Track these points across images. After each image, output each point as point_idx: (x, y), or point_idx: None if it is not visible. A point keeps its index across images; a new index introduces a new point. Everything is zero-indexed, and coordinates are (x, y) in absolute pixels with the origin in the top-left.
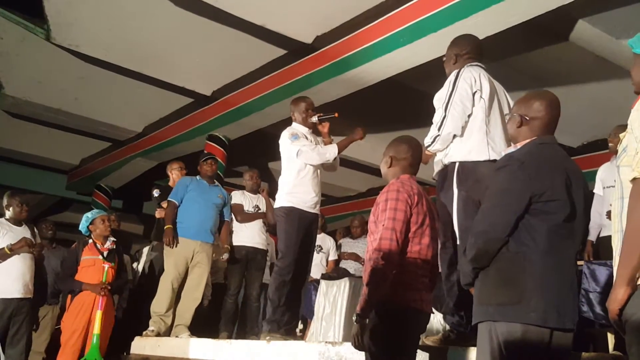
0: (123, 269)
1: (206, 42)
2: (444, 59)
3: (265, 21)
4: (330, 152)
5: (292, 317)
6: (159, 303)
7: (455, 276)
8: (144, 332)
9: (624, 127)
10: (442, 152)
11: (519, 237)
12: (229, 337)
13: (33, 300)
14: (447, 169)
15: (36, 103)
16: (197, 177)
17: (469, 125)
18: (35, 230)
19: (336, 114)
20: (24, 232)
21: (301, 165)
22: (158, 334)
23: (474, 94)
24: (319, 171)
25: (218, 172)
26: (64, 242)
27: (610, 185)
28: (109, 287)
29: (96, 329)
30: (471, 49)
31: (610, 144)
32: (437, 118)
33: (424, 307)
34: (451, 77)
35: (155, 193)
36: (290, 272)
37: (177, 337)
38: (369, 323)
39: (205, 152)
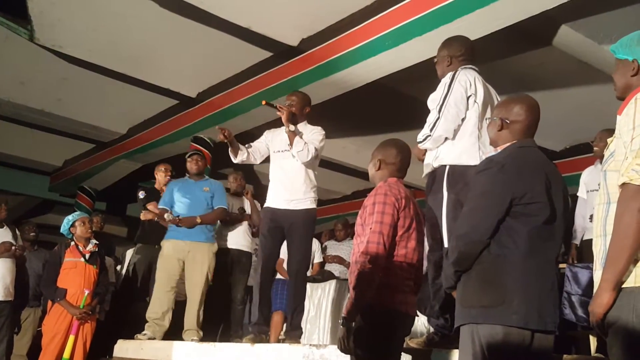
0: (105, 271)
1: (191, 44)
2: (436, 59)
3: (251, 23)
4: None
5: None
6: (152, 308)
7: (441, 279)
8: (135, 336)
9: (608, 132)
10: (433, 155)
11: (500, 239)
12: (213, 340)
13: (14, 303)
14: (436, 172)
15: (19, 104)
16: (186, 176)
17: (462, 128)
18: (17, 232)
19: (263, 102)
20: (4, 233)
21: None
22: (153, 338)
23: (468, 98)
24: (286, 163)
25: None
26: (47, 244)
27: (594, 189)
28: (89, 313)
29: (66, 353)
30: (465, 51)
31: (595, 148)
32: (430, 119)
33: (409, 310)
34: (446, 79)
35: (141, 195)
36: (258, 268)
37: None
38: (355, 326)
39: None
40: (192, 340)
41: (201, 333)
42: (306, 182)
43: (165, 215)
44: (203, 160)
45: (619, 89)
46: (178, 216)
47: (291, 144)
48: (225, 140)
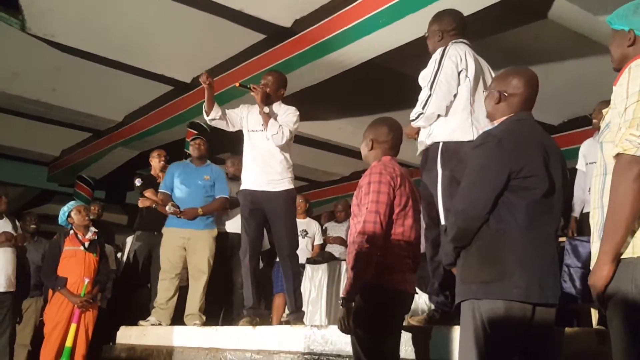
0: (105, 259)
1: (184, 29)
2: (427, 34)
3: (243, 6)
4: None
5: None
6: (158, 295)
7: (440, 256)
8: (138, 322)
9: (607, 104)
10: (426, 132)
11: (498, 214)
12: (215, 324)
13: (16, 293)
14: (430, 149)
15: (13, 95)
16: (188, 159)
17: (454, 104)
18: (17, 222)
19: (237, 84)
20: (4, 224)
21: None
22: (159, 324)
23: (459, 73)
24: (261, 145)
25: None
26: (47, 234)
27: (593, 162)
28: (90, 301)
29: (68, 341)
30: (457, 25)
31: (593, 120)
32: (422, 96)
33: (407, 288)
34: (436, 55)
35: (137, 182)
36: (246, 254)
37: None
38: (355, 305)
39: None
40: (194, 324)
41: (204, 318)
42: (282, 163)
43: (167, 207)
44: (205, 144)
45: (616, 60)
46: (179, 207)
47: (265, 125)
48: (206, 84)
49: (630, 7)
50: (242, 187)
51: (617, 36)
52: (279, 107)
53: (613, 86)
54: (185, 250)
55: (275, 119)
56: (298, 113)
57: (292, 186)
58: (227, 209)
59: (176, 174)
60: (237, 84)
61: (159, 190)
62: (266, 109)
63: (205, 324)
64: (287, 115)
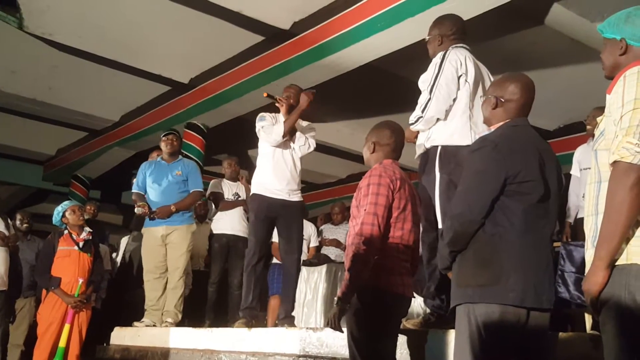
0: (99, 259)
1: (183, 29)
2: (428, 38)
3: (242, 7)
4: (277, 130)
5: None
6: (148, 296)
7: (436, 260)
8: (133, 323)
9: (601, 110)
10: (425, 135)
11: (494, 218)
12: (211, 326)
13: (8, 293)
14: (429, 153)
15: (10, 93)
16: (159, 157)
17: (453, 108)
18: (9, 221)
19: (265, 94)
20: None
21: (263, 148)
22: (154, 325)
23: (459, 78)
24: (287, 155)
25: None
26: (41, 233)
27: (587, 167)
28: (84, 301)
29: (62, 342)
30: (457, 30)
31: (587, 127)
32: (422, 100)
33: (405, 291)
34: (437, 59)
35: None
36: (255, 256)
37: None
38: (352, 308)
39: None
40: (166, 322)
41: (179, 316)
42: (300, 174)
43: (136, 209)
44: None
45: (608, 68)
46: (149, 207)
47: (291, 137)
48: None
49: (621, 15)
50: (258, 192)
51: (608, 44)
52: (300, 121)
53: (607, 94)
54: (165, 247)
55: (300, 131)
56: (315, 129)
57: (302, 197)
58: (224, 206)
59: (148, 173)
60: (265, 94)
61: (132, 191)
62: None
63: (198, 325)
64: (310, 129)
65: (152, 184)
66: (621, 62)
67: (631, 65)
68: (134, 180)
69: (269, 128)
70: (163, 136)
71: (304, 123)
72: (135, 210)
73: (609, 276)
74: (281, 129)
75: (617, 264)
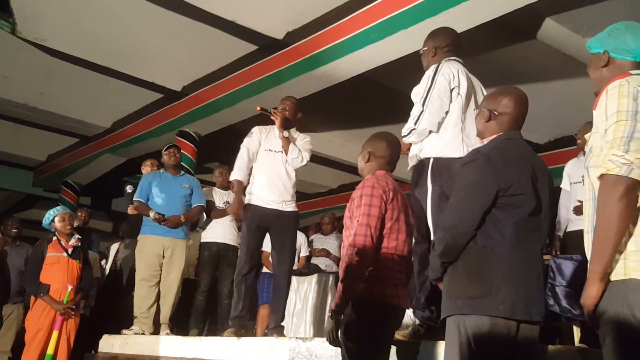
0: (89, 266)
1: (176, 37)
2: (422, 51)
3: (236, 16)
4: (238, 163)
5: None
6: (136, 304)
7: (428, 271)
8: (122, 330)
9: (591, 124)
10: (417, 147)
11: (486, 230)
12: (199, 334)
13: None
14: (421, 164)
15: (2, 98)
16: (161, 170)
17: (445, 121)
18: None
19: (258, 108)
20: None
21: (257, 159)
22: (142, 334)
23: (451, 91)
24: (280, 166)
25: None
26: (31, 239)
27: (577, 181)
28: (73, 308)
29: (50, 349)
30: (451, 42)
31: (578, 141)
32: (414, 112)
33: (400, 302)
34: (429, 72)
35: (129, 189)
36: (245, 266)
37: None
38: (345, 319)
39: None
40: (166, 333)
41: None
42: (294, 185)
43: (152, 214)
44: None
45: (594, 82)
46: (163, 215)
47: (285, 149)
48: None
49: (606, 30)
50: (251, 202)
51: (594, 59)
52: (295, 133)
53: (593, 110)
54: (164, 257)
55: (294, 143)
56: (312, 142)
57: (297, 208)
58: (215, 215)
59: (154, 183)
60: (258, 108)
61: (134, 199)
62: (285, 133)
63: (183, 333)
64: (305, 142)
65: (160, 194)
66: (604, 75)
67: (613, 79)
68: (127, 187)
69: (242, 149)
70: (165, 150)
71: (301, 136)
72: (151, 216)
73: (604, 289)
74: (234, 174)
75: (615, 278)
